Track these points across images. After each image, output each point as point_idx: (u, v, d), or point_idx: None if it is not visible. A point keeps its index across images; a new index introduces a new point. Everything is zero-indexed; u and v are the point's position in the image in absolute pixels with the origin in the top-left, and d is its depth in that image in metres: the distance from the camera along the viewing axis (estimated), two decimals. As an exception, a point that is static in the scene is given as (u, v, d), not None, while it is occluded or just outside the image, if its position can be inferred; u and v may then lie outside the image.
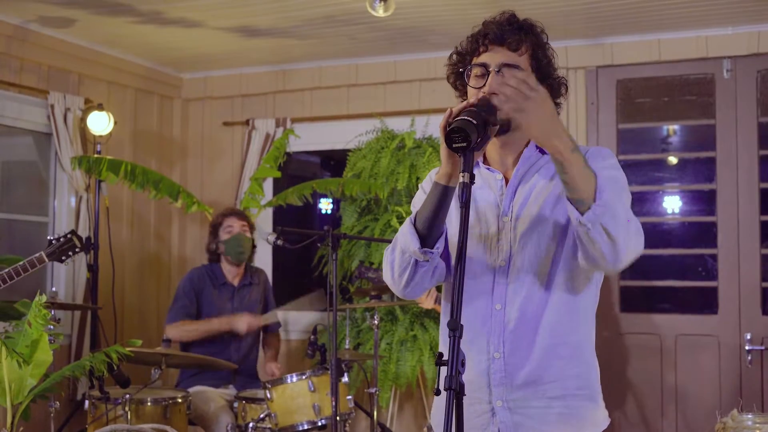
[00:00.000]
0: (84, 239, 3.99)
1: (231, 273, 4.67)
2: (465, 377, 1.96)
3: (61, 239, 3.90)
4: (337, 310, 3.67)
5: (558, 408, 1.96)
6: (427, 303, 4.27)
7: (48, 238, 3.94)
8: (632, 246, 1.79)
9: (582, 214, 1.75)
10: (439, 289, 4.37)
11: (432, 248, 1.93)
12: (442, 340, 2.06)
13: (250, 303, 4.69)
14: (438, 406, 2.08)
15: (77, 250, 3.94)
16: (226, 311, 4.61)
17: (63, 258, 3.91)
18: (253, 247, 4.75)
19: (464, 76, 2.02)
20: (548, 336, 1.95)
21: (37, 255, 3.80)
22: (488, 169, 2.05)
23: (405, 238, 1.95)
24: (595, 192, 1.74)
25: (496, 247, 1.99)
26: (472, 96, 1.96)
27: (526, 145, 2.03)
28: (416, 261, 1.95)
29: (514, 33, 1.98)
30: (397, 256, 1.98)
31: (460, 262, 1.64)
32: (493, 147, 2.05)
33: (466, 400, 1.97)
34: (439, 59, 5.13)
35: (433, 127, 5.17)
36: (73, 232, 3.96)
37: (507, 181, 2.03)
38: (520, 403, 1.96)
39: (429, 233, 1.92)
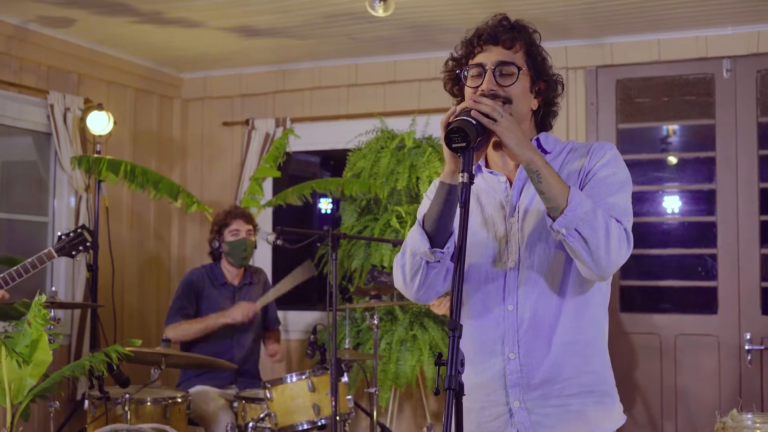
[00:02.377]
0: (93, 233, 3.98)
1: (231, 273, 4.67)
2: (479, 381, 1.97)
3: (71, 234, 3.90)
4: (336, 310, 3.67)
5: (575, 405, 1.97)
6: (441, 309, 4.29)
7: (57, 234, 3.94)
8: (613, 252, 1.82)
9: (554, 220, 1.81)
10: None
11: (442, 248, 1.94)
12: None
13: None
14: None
15: (88, 245, 3.94)
16: (226, 311, 4.61)
17: (73, 253, 3.90)
18: (254, 248, 4.75)
19: (461, 79, 2.04)
20: (562, 334, 1.96)
21: (45, 251, 3.80)
22: (491, 172, 2.07)
23: (414, 240, 1.96)
24: (567, 200, 1.80)
25: (506, 249, 2.00)
26: (470, 97, 1.98)
27: None
28: (427, 262, 1.96)
29: (507, 32, 2.01)
30: (408, 260, 1.99)
31: (459, 262, 1.65)
32: (493, 150, 2.06)
33: (480, 405, 2.00)
34: (439, 59, 5.12)
35: (433, 127, 5.17)
36: (84, 227, 3.95)
37: (511, 184, 2.04)
38: (538, 402, 1.97)
39: (438, 234, 1.94)
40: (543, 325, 1.96)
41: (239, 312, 4.46)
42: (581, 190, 1.94)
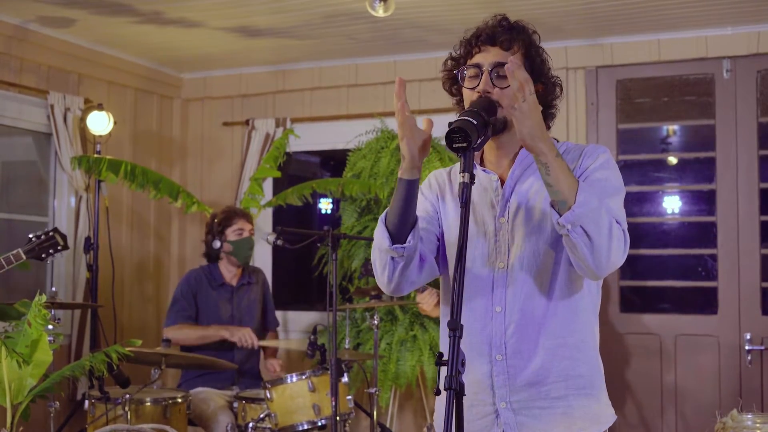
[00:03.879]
0: (66, 237, 3.87)
1: (229, 273, 4.67)
2: (468, 380, 1.97)
3: (42, 237, 3.79)
4: (336, 310, 3.67)
5: (561, 408, 1.97)
6: (426, 306, 4.16)
7: (28, 235, 3.81)
8: (614, 252, 1.81)
9: (561, 215, 1.79)
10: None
11: (403, 243, 1.94)
12: (443, 342, 2.07)
13: (249, 303, 4.69)
14: (440, 407, 2.09)
15: (59, 248, 3.82)
16: (225, 312, 4.60)
17: (43, 256, 3.78)
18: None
19: (459, 79, 2.04)
20: (550, 337, 1.96)
21: (14, 252, 3.70)
22: (484, 170, 2.06)
23: (378, 236, 1.98)
24: (575, 195, 1.77)
25: (494, 249, 2.00)
26: (467, 98, 1.99)
27: (522, 147, 2.03)
28: (392, 258, 1.97)
29: (506, 32, 2.01)
30: (377, 255, 2.01)
31: (460, 262, 1.65)
32: (489, 149, 2.07)
33: (469, 402, 2.00)
34: (439, 59, 5.11)
35: (434, 127, 5.16)
36: (56, 230, 3.85)
37: (503, 183, 2.04)
38: (524, 404, 1.97)
39: (398, 230, 1.94)
40: (531, 328, 1.96)
41: (240, 335, 4.44)
42: None
